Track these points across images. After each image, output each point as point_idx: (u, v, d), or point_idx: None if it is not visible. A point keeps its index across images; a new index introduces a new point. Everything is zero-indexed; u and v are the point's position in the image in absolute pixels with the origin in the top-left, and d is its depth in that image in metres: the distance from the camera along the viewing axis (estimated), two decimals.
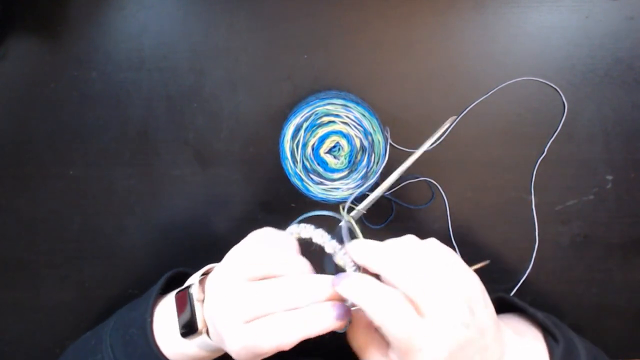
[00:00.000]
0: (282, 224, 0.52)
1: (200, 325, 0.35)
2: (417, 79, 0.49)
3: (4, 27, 0.50)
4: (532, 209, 0.50)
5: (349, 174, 0.46)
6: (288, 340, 0.29)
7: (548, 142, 0.49)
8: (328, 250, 0.33)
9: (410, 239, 0.31)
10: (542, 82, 0.48)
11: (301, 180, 0.46)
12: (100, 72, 0.50)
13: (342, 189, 0.46)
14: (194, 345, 0.36)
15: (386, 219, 0.50)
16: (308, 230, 0.35)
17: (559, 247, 0.50)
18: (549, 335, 0.36)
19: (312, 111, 0.44)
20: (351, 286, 0.29)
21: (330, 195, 0.46)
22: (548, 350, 0.34)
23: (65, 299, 0.53)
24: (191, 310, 0.35)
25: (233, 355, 0.31)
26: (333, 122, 0.45)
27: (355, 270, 0.32)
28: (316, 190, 0.46)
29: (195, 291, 0.36)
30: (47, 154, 0.51)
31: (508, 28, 0.48)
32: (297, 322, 0.29)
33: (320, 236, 0.34)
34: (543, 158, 0.49)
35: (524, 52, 0.48)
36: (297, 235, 0.35)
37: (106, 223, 0.52)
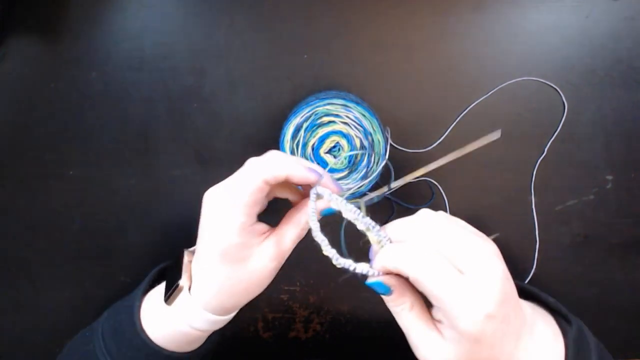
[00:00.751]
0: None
1: (183, 281, 0.36)
2: (417, 79, 0.49)
3: (4, 27, 0.50)
4: (532, 209, 0.50)
5: (349, 174, 0.46)
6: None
7: (548, 142, 0.49)
8: (360, 227, 0.32)
9: (428, 212, 0.32)
10: (542, 82, 0.48)
11: None
12: (100, 72, 0.50)
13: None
14: (178, 318, 0.37)
15: (386, 219, 0.50)
16: (338, 203, 0.33)
17: (559, 247, 0.50)
18: (561, 318, 0.36)
19: (312, 111, 0.44)
20: (397, 254, 0.30)
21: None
22: (561, 331, 0.35)
23: (65, 299, 0.53)
24: (177, 268, 0.37)
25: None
26: (333, 122, 0.45)
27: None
28: None
29: (185, 255, 0.38)
30: (47, 154, 0.51)
31: (508, 28, 0.48)
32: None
33: (351, 212, 0.32)
34: (543, 158, 0.49)
35: (524, 52, 0.48)
36: (326, 204, 0.35)
37: (106, 223, 0.52)
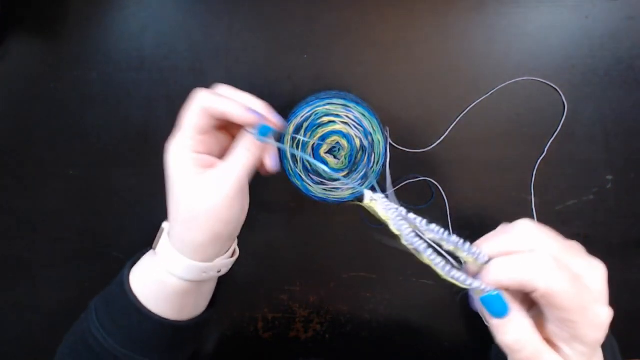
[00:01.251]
0: (282, 224, 0.52)
1: (165, 225, 0.38)
2: (417, 79, 0.49)
3: (4, 27, 0.50)
4: (532, 209, 0.50)
5: (349, 174, 0.46)
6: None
7: (548, 142, 0.49)
8: (448, 247, 0.28)
9: (526, 221, 0.29)
10: (542, 82, 0.48)
11: (301, 180, 0.46)
12: (100, 72, 0.50)
13: (342, 188, 0.46)
14: (159, 267, 0.37)
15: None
16: (416, 222, 0.28)
17: None
18: None
19: (312, 111, 0.44)
20: (521, 265, 0.26)
21: (330, 195, 0.46)
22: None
23: (65, 299, 0.53)
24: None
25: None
26: (333, 122, 0.45)
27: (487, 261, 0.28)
28: (316, 190, 0.46)
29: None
30: (47, 154, 0.51)
31: (508, 28, 0.48)
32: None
33: (434, 232, 0.28)
34: (543, 158, 0.49)
35: (524, 52, 0.48)
36: (398, 219, 0.29)
37: (106, 223, 0.52)
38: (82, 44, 0.50)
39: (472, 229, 0.50)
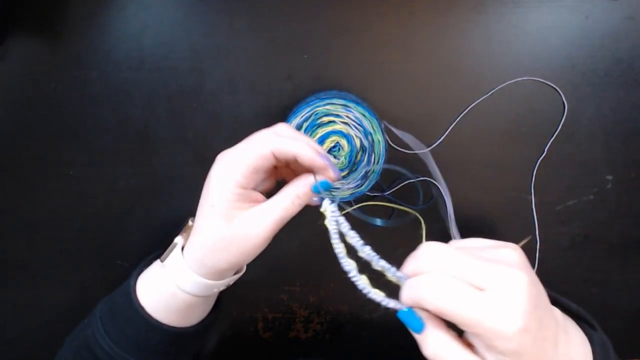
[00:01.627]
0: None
1: (178, 239, 0.38)
2: (417, 79, 0.49)
3: (4, 27, 0.50)
4: (532, 209, 0.50)
5: (349, 173, 0.46)
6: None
7: (548, 142, 0.49)
8: (376, 267, 0.32)
9: (431, 243, 0.30)
10: (542, 82, 0.48)
11: None
12: (100, 72, 0.50)
13: (342, 188, 0.46)
14: (168, 280, 0.38)
15: (387, 219, 0.50)
16: (349, 235, 0.32)
17: (559, 247, 0.50)
18: (583, 323, 0.36)
19: (312, 111, 0.44)
20: (413, 289, 0.28)
21: (330, 195, 0.46)
22: (587, 336, 0.34)
23: (65, 299, 0.53)
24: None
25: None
26: (333, 122, 0.45)
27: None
28: None
29: (190, 220, 0.39)
30: (47, 154, 0.51)
31: (508, 28, 0.48)
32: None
33: (367, 253, 0.32)
34: (543, 158, 0.49)
35: (524, 52, 0.48)
36: (333, 227, 0.33)
37: (106, 223, 0.52)
38: (82, 44, 0.50)
39: (472, 229, 0.50)
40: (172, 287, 0.38)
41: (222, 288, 0.40)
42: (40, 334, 0.54)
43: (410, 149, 0.49)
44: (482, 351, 0.28)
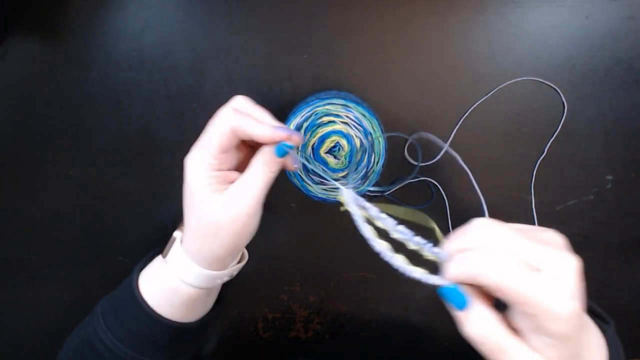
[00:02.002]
0: (282, 224, 0.52)
1: (177, 233, 0.39)
2: (417, 79, 0.49)
3: (4, 27, 0.50)
4: (532, 209, 0.50)
5: (349, 173, 0.46)
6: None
7: (548, 142, 0.49)
8: (411, 247, 0.30)
9: (484, 220, 0.29)
10: (542, 82, 0.48)
11: (301, 180, 0.46)
12: (100, 72, 0.50)
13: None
14: (170, 273, 0.38)
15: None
16: (384, 220, 0.31)
17: None
18: (597, 318, 0.36)
19: (312, 111, 0.44)
20: (472, 261, 0.27)
21: (330, 195, 0.46)
22: (600, 329, 0.34)
23: (65, 299, 0.53)
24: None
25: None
26: (333, 122, 0.45)
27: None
28: (316, 190, 0.46)
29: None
30: (47, 154, 0.51)
31: (508, 28, 0.48)
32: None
33: (401, 232, 0.30)
34: (543, 158, 0.49)
35: (524, 52, 0.48)
36: (364, 214, 0.32)
37: (106, 223, 0.52)
38: (82, 44, 0.50)
39: None
40: (175, 281, 0.38)
41: (226, 279, 0.40)
42: (40, 334, 0.54)
43: (424, 159, 0.49)
44: (528, 334, 0.27)
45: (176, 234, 0.40)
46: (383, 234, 0.30)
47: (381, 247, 0.30)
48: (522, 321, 0.28)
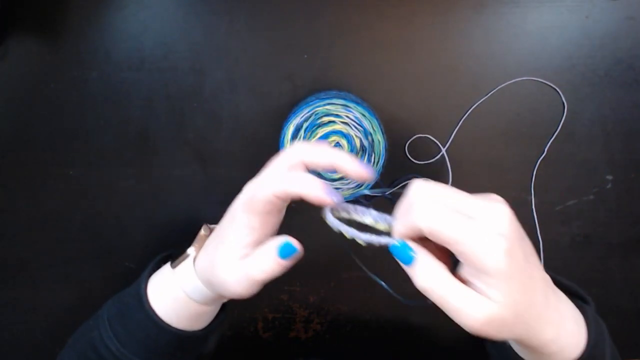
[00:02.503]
0: (282, 224, 0.52)
1: (191, 250, 0.39)
2: (417, 79, 0.49)
3: (4, 27, 0.50)
4: (532, 209, 0.50)
5: None
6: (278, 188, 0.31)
7: (548, 142, 0.49)
8: (381, 226, 0.33)
9: (422, 181, 0.31)
10: (542, 82, 0.48)
11: None
12: (100, 72, 0.50)
13: (342, 189, 0.46)
14: (177, 286, 0.38)
15: None
16: (352, 213, 0.34)
17: (558, 247, 0.50)
18: (578, 299, 0.37)
19: (312, 111, 0.44)
20: (408, 214, 0.29)
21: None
22: (580, 311, 0.35)
23: (65, 299, 0.53)
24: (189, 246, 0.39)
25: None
26: (333, 122, 0.45)
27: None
28: None
29: (203, 228, 0.40)
30: (47, 154, 0.51)
31: (508, 28, 0.48)
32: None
33: (365, 214, 0.33)
34: (543, 158, 0.49)
35: (524, 52, 0.48)
36: (337, 214, 0.34)
37: (106, 223, 0.52)
38: (82, 44, 0.50)
39: None
40: (183, 295, 0.38)
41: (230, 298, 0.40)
42: (40, 334, 0.54)
43: (423, 159, 0.49)
44: (472, 280, 0.29)
45: (190, 251, 0.39)
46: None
47: (335, 223, 0.33)
48: (465, 269, 0.29)
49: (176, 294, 0.38)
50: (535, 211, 0.50)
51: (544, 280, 0.32)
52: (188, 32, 0.49)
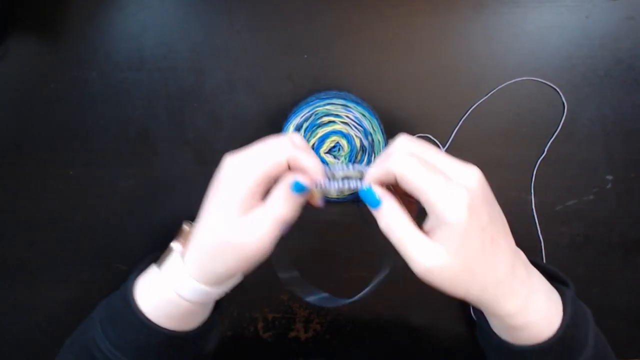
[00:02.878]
0: None
1: (175, 245, 0.38)
2: (417, 79, 0.49)
3: (4, 27, 0.50)
4: (532, 209, 0.50)
5: None
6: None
7: (548, 142, 0.49)
8: (354, 173, 0.35)
9: (405, 136, 0.34)
10: (542, 82, 0.48)
11: None
12: (100, 72, 0.50)
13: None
14: (167, 286, 0.37)
15: None
16: (337, 171, 0.36)
17: (559, 247, 0.50)
18: (559, 283, 0.38)
19: (312, 111, 0.44)
20: (383, 161, 0.32)
21: (330, 195, 0.46)
22: (559, 293, 0.36)
23: (65, 299, 0.53)
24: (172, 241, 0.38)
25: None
26: (333, 122, 0.45)
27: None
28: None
29: (184, 224, 0.39)
30: (47, 154, 0.51)
31: (508, 28, 0.48)
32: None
33: (345, 169, 0.35)
34: (543, 158, 0.49)
35: (524, 52, 0.48)
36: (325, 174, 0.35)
37: (106, 223, 0.52)
38: (82, 44, 0.50)
39: None
40: (171, 294, 0.37)
41: (221, 295, 0.39)
42: (40, 334, 0.54)
43: None
44: (434, 230, 0.31)
45: (174, 245, 0.38)
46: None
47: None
48: (429, 221, 0.31)
49: (165, 294, 0.37)
50: (535, 211, 0.50)
51: (512, 251, 0.33)
52: (188, 32, 0.49)
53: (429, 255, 0.30)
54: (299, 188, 0.33)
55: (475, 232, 0.30)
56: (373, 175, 0.33)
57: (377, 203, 0.32)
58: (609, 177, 0.49)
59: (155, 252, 0.44)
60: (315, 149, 0.45)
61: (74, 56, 0.50)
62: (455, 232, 0.30)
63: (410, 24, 0.48)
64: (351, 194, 0.46)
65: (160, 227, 0.52)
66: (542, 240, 0.50)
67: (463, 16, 0.48)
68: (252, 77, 0.49)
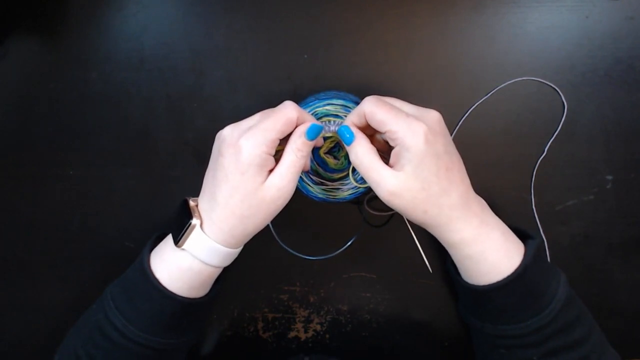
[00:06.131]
0: (281, 224, 0.52)
1: (195, 220, 0.39)
2: (417, 79, 0.49)
3: (4, 27, 0.50)
4: (532, 209, 0.50)
5: (348, 174, 0.46)
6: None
7: (548, 142, 0.49)
8: (335, 127, 0.41)
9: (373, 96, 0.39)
10: (542, 82, 0.48)
11: (301, 180, 0.46)
12: (100, 72, 0.50)
13: (342, 189, 0.46)
14: (189, 256, 0.39)
15: (387, 219, 0.50)
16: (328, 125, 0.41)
17: (559, 247, 0.50)
18: (527, 238, 0.41)
19: (312, 111, 0.44)
20: (358, 107, 0.39)
21: (330, 195, 0.46)
22: (522, 239, 0.40)
23: (65, 299, 0.53)
24: (182, 214, 0.40)
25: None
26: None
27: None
28: (316, 191, 0.46)
29: (190, 200, 0.41)
30: (47, 154, 0.51)
31: (508, 28, 0.48)
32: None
33: (330, 124, 0.41)
34: (543, 158, 0.49)
35: (524, 52, 0.48)
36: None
37: (106, 223, 0.52)
38: (82, 44, 0.50)
39: None
40: (191, 262, 0.39)
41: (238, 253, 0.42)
42: (40, 334, 0.54)
43: None
44: (396, 159, 0.37)
45: (195, 221, 0.39)
46: None
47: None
48: (393, 154, 0.37)
49: (183, 263, 0.39)
50: (536, 211, 0.50)
51: (466, 186, 0.39)
52: (188, 32, 0.49)
53: (391, 179, 0.36)
54: (314, 132, 0.38)
55: (430, 158, 0.36)
56: (350, 118, 0.39)
57: (351, 138, 0.38)
58: (609, 177, 0.49)
59: (161, 231, 0.44)
60: (315, 149, 0.45)
61: (74, 56, 0.50)
62: (413, 154, 0.35)
63: (410, 24, 0.48)
64: (351, 194, 0.46)
65: (160, 226, 0.52)
66: (546, 240, 0.50)
67: (463, 16, 0.48)
68: (252, 77, 0.49)
